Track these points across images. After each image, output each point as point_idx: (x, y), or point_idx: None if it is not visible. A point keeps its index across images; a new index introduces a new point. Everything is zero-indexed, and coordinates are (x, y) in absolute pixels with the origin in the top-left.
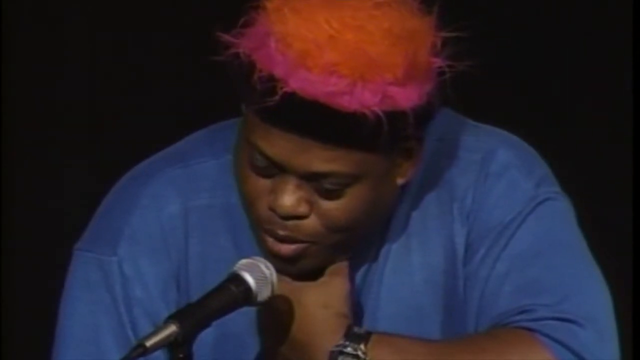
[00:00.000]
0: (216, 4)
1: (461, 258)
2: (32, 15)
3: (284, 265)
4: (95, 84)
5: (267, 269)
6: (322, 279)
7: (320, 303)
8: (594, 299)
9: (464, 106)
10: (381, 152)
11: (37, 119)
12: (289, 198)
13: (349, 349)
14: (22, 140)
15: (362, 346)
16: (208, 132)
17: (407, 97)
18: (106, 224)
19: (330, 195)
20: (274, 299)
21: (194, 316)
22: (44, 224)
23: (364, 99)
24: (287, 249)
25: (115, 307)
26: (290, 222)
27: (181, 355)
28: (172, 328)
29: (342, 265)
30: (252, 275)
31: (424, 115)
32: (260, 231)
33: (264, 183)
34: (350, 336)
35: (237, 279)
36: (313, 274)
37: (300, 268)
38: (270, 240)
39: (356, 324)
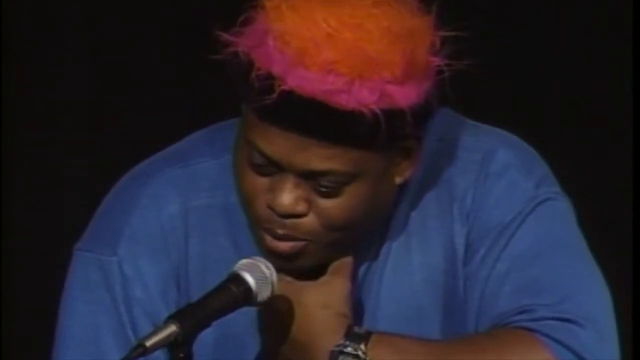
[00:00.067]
0: (216, 4)
1: (461, 258)
2: (32, 15)
3: (282, 263)
4: (95, 84)
5: (268, 269)
6: (322, 279)
7: (321, 303)
8: (594, 299)
9: (464, 106)
10: (379, 151)
11: (37, 119)
12: (287, 197)
13: (349, 349)
14: (22, 140)
15: (362, 346)
16: (208, 132)
17: (406, 96)
18: (106, 224)
19: (328, 193)
20: (274, 299)
21: (194, 316)
22: (44, 224)
23: (362, 97)
24: (285, 246)
25: (115, 307)
26: (289, 221)
27: (181, 355)
28: (172, 328)
29: (344, 264)
30: (252, 275)
31: (422, 114)
32: (259, 230)
33: (262, 182)
34: (351, 336)
35: (237, 279)
36: (313, 273)
37: (299, 266)
38: (268, 239)
39: (356, 323)
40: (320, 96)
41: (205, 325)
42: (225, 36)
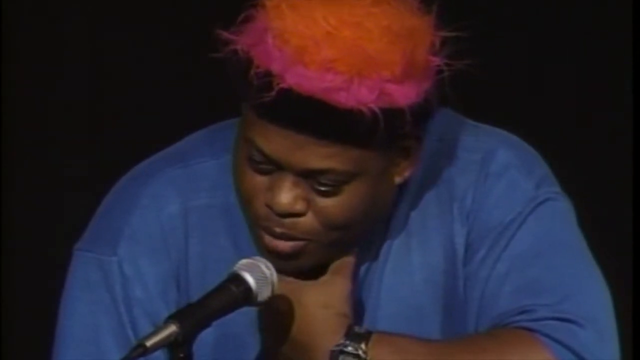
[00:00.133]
0: (216, 3)
1: (461, 258)
2: (32, 15)
3: (281, 262)
4: (95, 84)
5: (268, 269)
6: (322, 279)
7: (321, 303)
8: (594, 299)
9: (464, 106)
10: (378, 150)
11: (37, 119)
12: (286, 195)
13: (349, 349)
14: (22, 140)
15: (362, 346)
16: (208, 132)
17: (405, 95)
18: (106, 224)
19: (327, 192)
20: (274, 299)
21: (194, 316)
22: (44, 224)
23: (361, 96)
24: (284, 245)
25: (115, 307)
26: (288, 220)
27: (181, 355)
28: (172, 328)
29: (345, 264)
30: (252, 275)
31: (421, 113)
32: (258, 229)
33: (261, 180)
34: (351, 336)
35: (237, 279)
36: (314, 273)
37: (298, 265)
38: (267, 238)
39: (356, 323)
40: (319, 94)
41: (206, 325)
42: (225, 34)
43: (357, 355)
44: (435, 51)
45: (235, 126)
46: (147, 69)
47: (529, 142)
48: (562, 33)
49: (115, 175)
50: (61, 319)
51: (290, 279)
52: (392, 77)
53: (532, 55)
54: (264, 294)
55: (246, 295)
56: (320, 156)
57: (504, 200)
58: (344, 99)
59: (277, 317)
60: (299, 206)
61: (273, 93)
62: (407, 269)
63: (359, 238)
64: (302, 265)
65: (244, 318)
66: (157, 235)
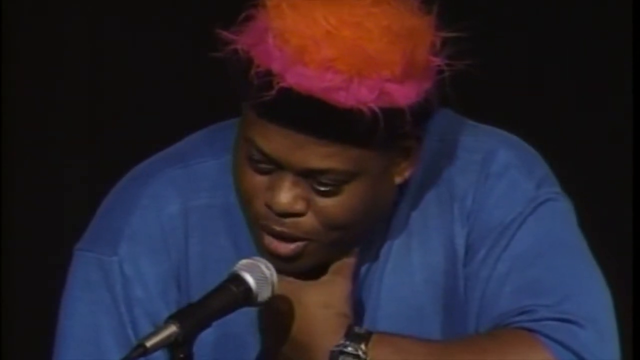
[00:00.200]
0: (216, 3)
1: (461, 258)
2: (32, 15)
3: (282, 264)
4: (95, 84)
5: (268, 269)
6: (323, 279)
7: (321, 303)
8: (594, 300)
9: (464, 106)
10: (378, 150)
11: (37, 119)
12: (286, 195)
13: (349, 349)
14: (22, 140)
15: (362, 346)
16: (208, 132)
17: (405, 95)
18: (106, 224)
19: (327, 192)
20: (274, 299)
21: (194, 316)
22: (44, 224)
23: (361, 95)
24: (285, 248)
25: (115, 307)
26: (288, 220)
27: (182, 356)
28: (172, 328)
29: (345, 264)
30: (252, 275)
31: (422, 113)
32: (257, 228)
33: (261, 180)
34: (351, 336)
35: (237, 279)
36: (314, 273)
37: (298, 267)
38: (267, 238)
39: (356, 323)
40: (318, 93)
41: (206, 325)
42: (225, 34)
43: (357, 356)
44: (436, 51)
45: (235, 126)
46: (147, 69)
47: (529, 142)
48: (562, 33)
49: (115, 175)
50: (61, 318)
51: (291, 279)
52: (392, 77)
53: (532, 55)
54: (264, 294)
55: (246, 296)
56: (320, 156)
57: (505, 201)
58: (344, 99)
59: (277, 317)
60: (299, 206)
61: (273, 92)
62: (408, 269)
63: (359, 238)
64: (303, 266)
65: (244, 318)
66: (158, 236)
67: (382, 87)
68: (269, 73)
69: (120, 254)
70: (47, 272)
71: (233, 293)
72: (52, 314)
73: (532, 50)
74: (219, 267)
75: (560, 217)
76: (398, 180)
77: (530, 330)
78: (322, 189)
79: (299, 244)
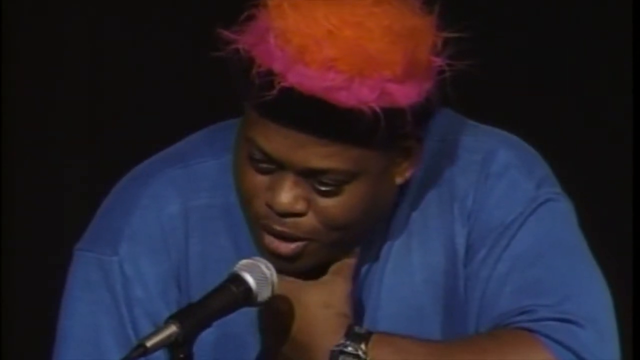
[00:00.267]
0: (217, 3)
1: (462, 258)
2: (32, 15)
3: (282, 264)
4: (95, 84)
5: (268, 269)
6: (323, 279)
7: (321, 303)
8: (594, 300)
9: (464, 106)
10: (379, 150)
11: (37, 119)
12: (286, 195)
13: (349, 349)
14: (22, 140)
15: (362, 346)
16: (208, 132)
17: (406, 95)
18: (107, 224)
19: (328, 192)
20: (274, 298)
21: (194, 316)
22: (44, 224)
23: (362, 95)
24: (286, 248)
25: (115, 307)
26: (288, 220)
27: (182, 356)
28: (172, 328)
29: (346, 264)
30: (252, 275)
31: (422, 113)
32: (258, 228)
33: (261, 180)
34: (351, 336)
35: (237, 279)
36: (314, 273)
37: (299, 267)
38: (268, 238)
39: (356, 323)
40: (319, 93)
41: (206, 325)
42: (227, 34)
43: (357, 356)
44: (437, 51)
45: (235, 126)
46: (147, 69)
47: (529, 142)
48: (562, 33)
49: (115, 175)
50: (62, 318)
51: (291, 278)
52: (393, 76)
53: (532, 55)
54: (264, 294)
55: (246, 296)
56: (320, 155)
57: (505, 201)
58: (345, 98)
59: (277, 317)
60: (300, 206)
61: (274, 92)
62: (408, 269)
63: (360, 238)
64: (303, 266)
65: (244, 318)
66: (158, 236)
67: (383, 87)
68: (270, 73)
69: (121, 254)
70: (47, 272)
71: (233, 293)
72: (52, 314)
73: (532, 50)
74: (219, 267)
75: (560, 217)
76: (399, 180)
77: (530, 330)
78: (323, 188)
79: (300, 243)
